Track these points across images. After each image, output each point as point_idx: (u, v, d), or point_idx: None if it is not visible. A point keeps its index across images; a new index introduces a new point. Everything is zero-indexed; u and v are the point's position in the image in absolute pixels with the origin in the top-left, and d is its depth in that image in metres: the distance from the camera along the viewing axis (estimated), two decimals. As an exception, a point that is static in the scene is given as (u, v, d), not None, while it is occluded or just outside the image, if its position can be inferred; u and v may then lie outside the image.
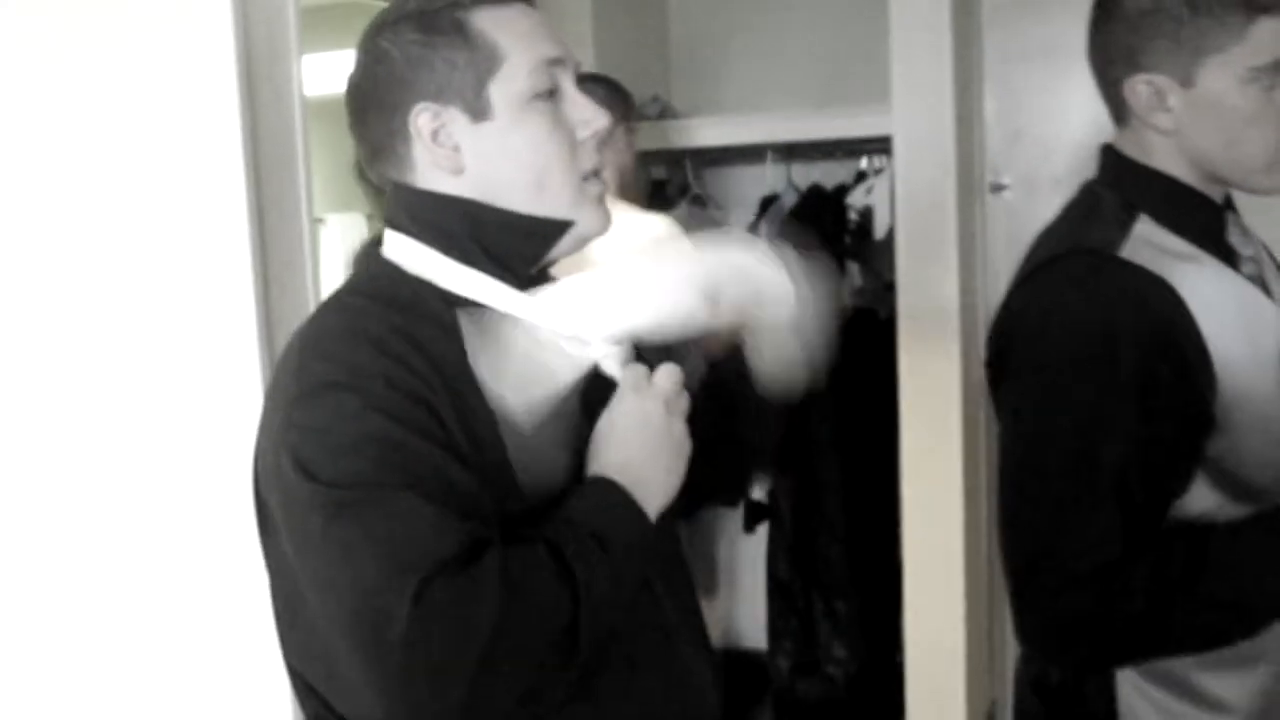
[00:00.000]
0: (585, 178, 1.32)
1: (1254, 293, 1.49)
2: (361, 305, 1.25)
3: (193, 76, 1.98)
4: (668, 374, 1.29)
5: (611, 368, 1.31)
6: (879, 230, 3.61)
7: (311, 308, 2.02)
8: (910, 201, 3.18)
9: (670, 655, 1.33)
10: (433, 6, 1.28)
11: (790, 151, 3.82)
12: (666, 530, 1.32)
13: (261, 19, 2.03)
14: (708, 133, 3.73)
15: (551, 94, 1.30)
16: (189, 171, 2.01)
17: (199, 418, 2.04)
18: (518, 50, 1.28)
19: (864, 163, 3.84)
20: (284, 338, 1.95)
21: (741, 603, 4.34)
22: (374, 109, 1.31)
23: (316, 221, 5.30)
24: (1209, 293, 1.43)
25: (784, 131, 3.61)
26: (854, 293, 3.68)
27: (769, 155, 3.78)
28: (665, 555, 1.37)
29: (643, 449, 1.25)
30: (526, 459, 1.24)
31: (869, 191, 3.67)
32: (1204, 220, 1.52)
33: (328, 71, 4.81)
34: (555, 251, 1.33)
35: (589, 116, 1.31)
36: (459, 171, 1.29)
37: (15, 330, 2.14)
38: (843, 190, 3.79)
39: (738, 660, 4.28)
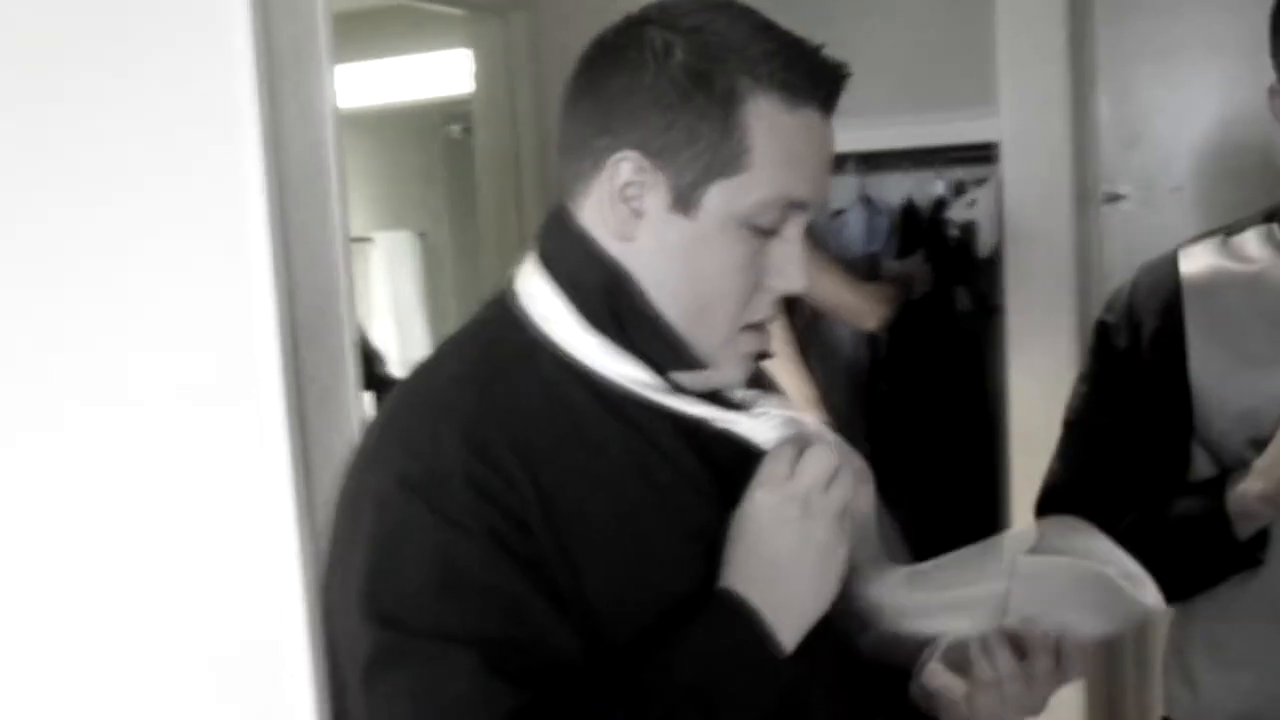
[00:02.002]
0: (746, 328, 1.15)
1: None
2: (461, 374, 1.13)
3: (207, 91, 1.78)
4: (813, 459, 1.10)
5: (761, 434, 1.14)
6: (983, 248, 3.35)
7: (346, 347, 1.88)
8: (1020, 215, 2.97)
9: None
10: (715, 56, 1.08)
11: (867, 162, 3.58)
12: (817, 649, 1.13)
13: (286, 25, 1.81)
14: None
15: (768, 233, 1.11)
16: (202, 195, 1.81)
17: (214, 470, 1.87)
18: (769, 171, 1.08)
19: (937, 178, 3.63)
20: (314, 385, 1.83)
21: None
22: (591, 106, 1.13)
23: (363, 240, 5.21)
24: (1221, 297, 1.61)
25: (864, 140, 3.36)
26: (961, 318, 3.45)
27: (849, 165, 3.53)
28: (821, 675, 1.17)
29: (771, 555, 1.09)
30: (640, 559, 1.10)
31: (971, 204, 3.41)
32: None
33: (369, 81, 4.75)
34: (685, 381, 1.15)
35: (790, 273, 1.13)
36: (626, 239, 1.13)
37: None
38: (940, 205, 3.54)
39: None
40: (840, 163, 3.61)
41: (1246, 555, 1.55)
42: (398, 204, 5.56)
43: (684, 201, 1.10)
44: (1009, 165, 2.98)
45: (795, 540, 1.09)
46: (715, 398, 1.17)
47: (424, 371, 1.17)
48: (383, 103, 4.88)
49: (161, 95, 1.81)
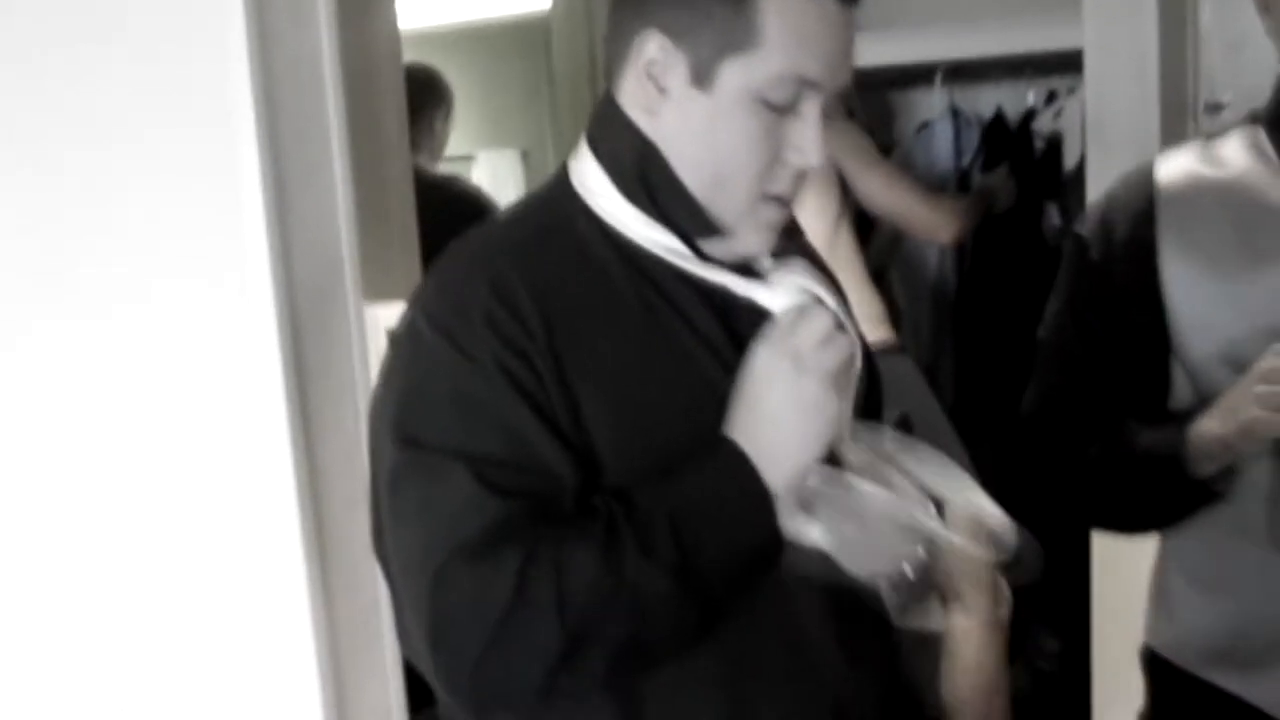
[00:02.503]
0: (766, 198, 1.25)
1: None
2: (507, 226, 1.32)
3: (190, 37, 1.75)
4: (809, 321, 1.21)
5: (775, 301, 1.26)
6: (1069, 160, 3.21)
7: (352, 330, 1.87)
8: (1102, 127, 2.80)
9: (790, 630, 1.27)
10: None
11: (956, 73, 3.44)
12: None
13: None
14: (867, 52, 3.36)
15: (783, 109, 1.21)
16: (185, 154, 1.80)
17: (213, 439, 1.88)
18: (779, 48, 1.18)
19: (1028, 88, 3.49)
20: (314, 358, 1.83)
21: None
22: (624, 6, 1.27)
23: (465, 159, 5.21)
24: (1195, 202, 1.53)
25: (953, 48, 3.25)
26: (1053, 236, 3.32)
27: (938, 77, 3.39)
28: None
29: (766, 407, 1.19)
30: (647, 406, 1.21)
31: (1058, 115, 3.27)
32: None
33: (468, -1, 4.75)
34: (709, 249, 1.27)
35: (807, 149, 1.23)
36: (653, 113, 1.25)
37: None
38: (1030, 116, 3.40)
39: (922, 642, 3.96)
40: (927, 73, 3.49)
41: (1207, 491, 1.49)
42: (500, 122, 5.54)
43: (701, 77, 1.21)
44: (1092, 74, 2.82)
45: (786, 393, 1.18)
46: (742, 269, 1.27)
47: (477, 230, 1.31)
48: (484, 18, 4.86)
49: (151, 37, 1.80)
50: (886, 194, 2.96)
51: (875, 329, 2.90)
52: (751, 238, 1.27)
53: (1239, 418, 1.39)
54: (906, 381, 2.89)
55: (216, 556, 1.89)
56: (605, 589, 1.12)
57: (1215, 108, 2.96)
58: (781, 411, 1.18)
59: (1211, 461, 1.45)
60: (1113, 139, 2.81)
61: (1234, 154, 1.55)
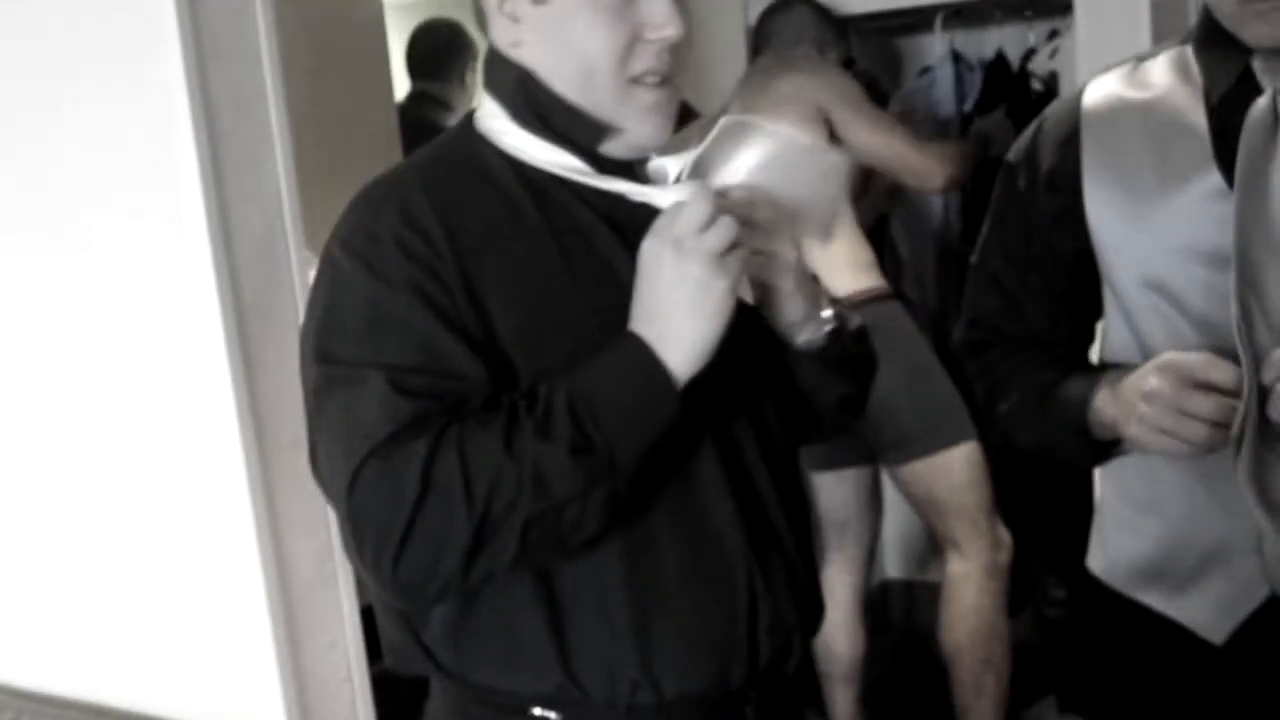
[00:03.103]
0: (636, 81, 1.31)
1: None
2: (416, 162, 1.40)
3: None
4: (688, 208, 1.26)
5: (661, 200, 1.31)
6: (1068, 99, 3.17)
7: (295, 275, 1.90)
8: (1094, 64, 2.73)
9: (695, 521, 1.34)
10: None
11: (958, 15, 3.43)
12: (724, 381, 1.32)
13: None
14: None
15: None
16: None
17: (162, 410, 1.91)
18: None
19: (1029, 29, 3.46)
20: (256, 303, 1.86)
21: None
22: None
23: None
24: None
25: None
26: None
27: (938, 21, 3.36)
28: (727, 424, 1.37)
29: (656, 294, 1.26)
30: (550, 311, 1.29)
31: (1053, 55, 3.23)
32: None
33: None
34: (611, 151, 1.35)
35: (659, 21, 1.30)
36: (518, 44, 1.34)
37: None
38: (1028, 55, 3.36)
39: (932, 593, 3.93)
40: (927, 16, 3.45)
41: (1108, 452, 1.52)
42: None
43: None
44: (1082, 9, 2.81)
45: (671, 278, 1.24)
46: (638, 178, 1.36)
47: (390, 169, 1.40)
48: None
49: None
50: (874, 141, 2.91)
51: (861, 277, 2.89)
52: (640, 126, 1.33)
53: (1124, 428, 1.41)
54: (894, 328, 2.87)
55: (165, 504, 1.93)
56: (507, 472, 1.19)
57: (1183, 35, 2.91)
58: (670, 295, 1.24)
59: (1109, 432, 1.47)
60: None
61: (1159, 74, 1.54)
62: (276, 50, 1.82)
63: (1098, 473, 1.71)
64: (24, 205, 1.95)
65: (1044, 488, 3.29)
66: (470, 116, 1.41)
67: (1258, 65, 1.43)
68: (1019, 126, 3.20)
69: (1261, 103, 1.42)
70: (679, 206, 1.27)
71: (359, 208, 1.33)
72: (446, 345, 1.24)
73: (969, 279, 1.70)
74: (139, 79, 1.78)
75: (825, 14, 3.20)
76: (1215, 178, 1.43)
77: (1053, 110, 1.63)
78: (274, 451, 1.86)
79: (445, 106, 3.61)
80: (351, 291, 1.27)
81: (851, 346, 1.46)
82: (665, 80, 1.33)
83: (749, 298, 1.36)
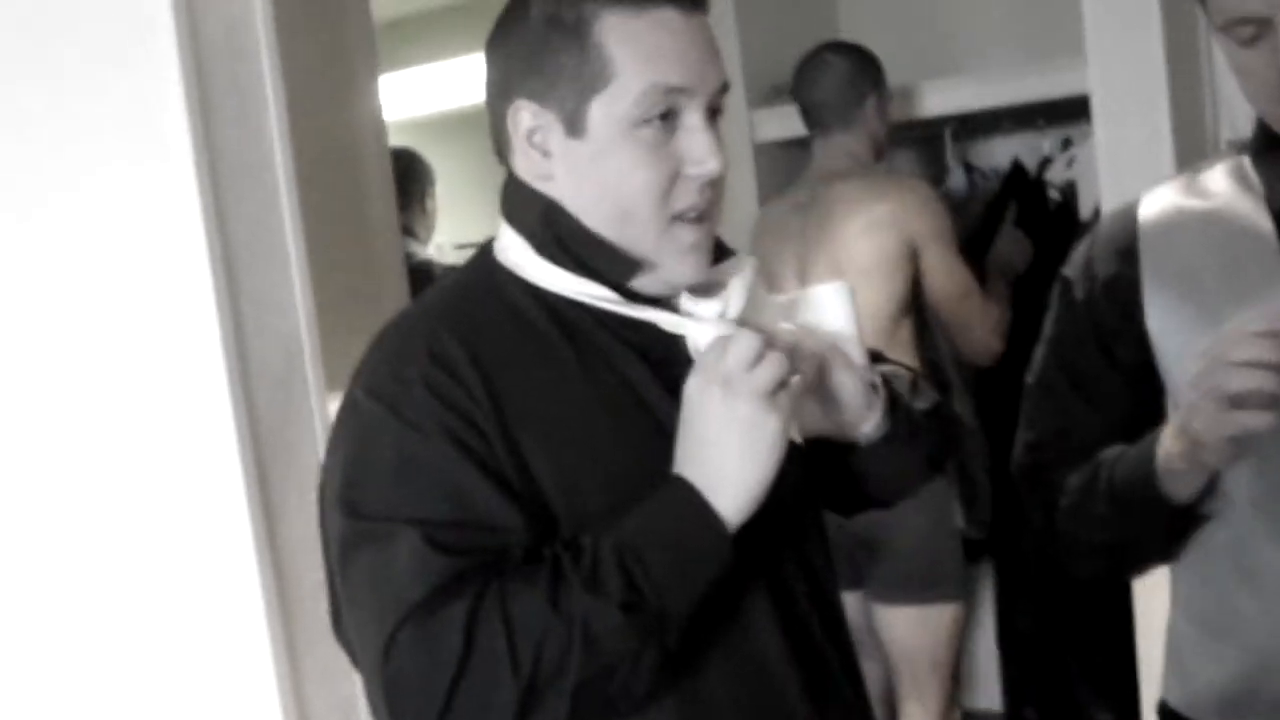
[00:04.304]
0: (677, 219, 1.30)
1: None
2: (437, 299, 1.38)
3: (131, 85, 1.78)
4: (734, 344, 1.23)
5: (702, 336, 1.30)
6: (1085, 209, 3.18)
7: (315, 417, 1.88)
8: (1115, 172, 2.77)
9: (753, 664, 1.31)
10: None
11: (965, 125, 3.46)
12: (772, 525, 1.29)
13: (218, 13, 1.77)
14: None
15: (666, 119, 1.28)
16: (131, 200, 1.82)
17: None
18: (632, 71, 1.27)
19: (1041, 137, 3.48)
20: (274, 447, 1.84)
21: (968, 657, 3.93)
22: (491, 77, 1.36)
23: (467, 247, 5.24)
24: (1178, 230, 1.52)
25: (955, 100, 3.23)
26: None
27: (947, 133, 3.38)
28: (777, 564, 1.35)
29: (704, 435, 1.23)
30: (590, 455, 1.26)
31: (1070, 164, 3.24)
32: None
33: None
34: (641, 287, 1.33)
35: (701, 156, 1.29)
36: (547, 178, 1.32)
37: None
38: (1044, 165, 3.38)
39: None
40: (936, 129, 3.47)
41: (1191, 514, 1.46)
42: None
43: (575, 126, 1.29)
44: (1101, 119, 2.80)
45: (720, 418, 1.21)
46: (670, 306, 1.34)
47: (408, 307, 1.40)
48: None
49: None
50: (948, 293, 2.91)
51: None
52: (677, 265, 1.32)
53: (1184, 421, 1.36)
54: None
55: (185, 653, 1.89)
56: (555, 632, 1.15)
57: (1242, 147, 2.92)
58: (720, 437, 1.22)
59: (1183, 481, 1.42)
60: (1128, 183, 2.77)
61: (1218, 184, 1.54)
62: (295, 184, 1.81)
63: (1168, 598, 1.64)
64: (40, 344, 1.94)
65: (1086, 614, 3.27)
66: (486, 249, 1.40)
67: None
68: (1038, 236, 3.25)
69: None
70: (724, 342, 1.25)
71: (383, 347, 1.31)
72: (484, 495, 1.20)
73: (1026, 398, 1.67)
74: (157, 216, 1.77)
75: (864, 55, 3.14)
76: None
77: (1106, 223, 1.62)
78: (295, 601, 1.81)
79: (410, 234, 3.59)
80: (378, 438, 1.23)
81: (916, 416, 1.45)
82: (704, 216, 1.32)
83: (798, 437, 1.34)
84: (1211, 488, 1.43)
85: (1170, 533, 1.50)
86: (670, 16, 1.27)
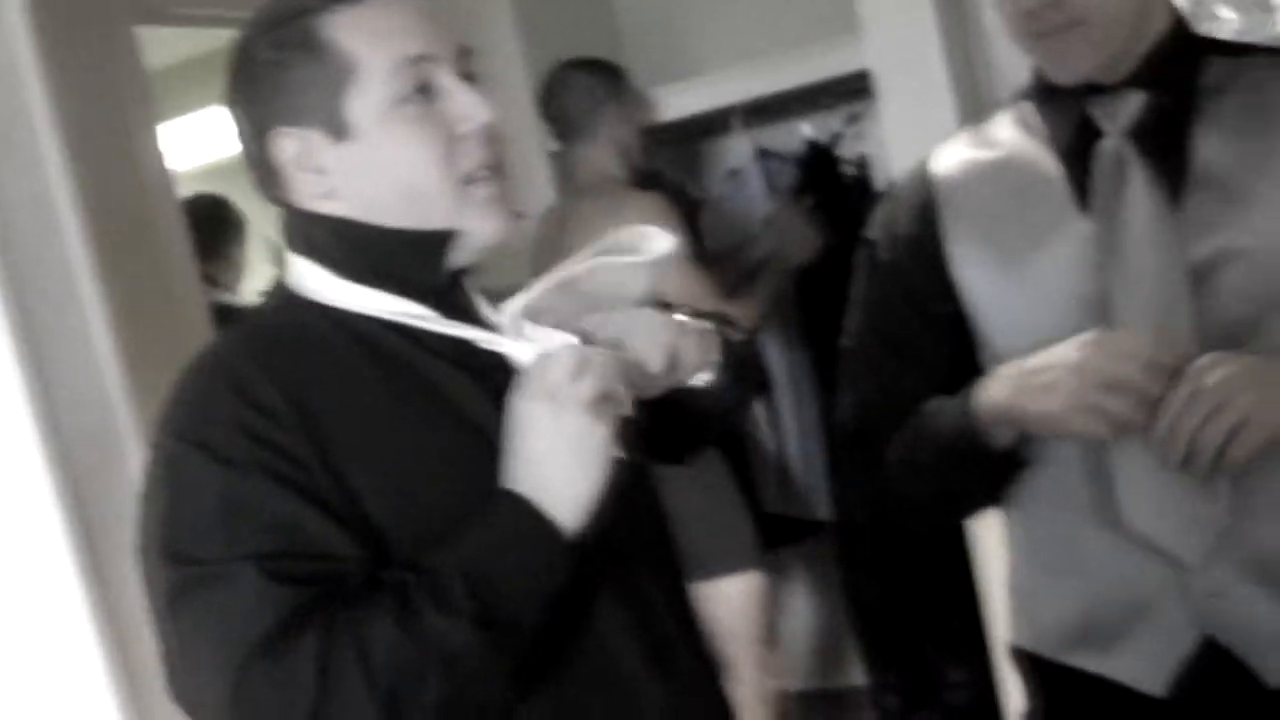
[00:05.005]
0: (469, 180, 1.31)
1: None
2: (236, 337, 1.37)
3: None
4: (556, 358, 1.26)
5: (523, 352, 1.31)
6: (880, 181, 3.26)
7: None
8: (903, 140, 2.86)
9: (609, 672, 1.33)
10: (281, 17, 1.30)
11: (756, 113, 3.51)
12: (614, 526, 1.30)
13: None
14: (664, 106, 3.48)
15: (423, 92, 1.29)
16: None
17: None
18: (371, 55, 1.28)
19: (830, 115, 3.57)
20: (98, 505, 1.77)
21: (824, 634, 4.01)
22: (241, 128, 1.35)
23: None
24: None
25: (742, 90, 3.32)
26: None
27: (733, 121, 3.44)
28: (618, 553, 1.35)
29: (535, 450, 1.25)
30: (415, 475, 1.26)
31: (858, 138, 3.33)
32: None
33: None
34: (455, 261, 1.34)
35: (468, 111, 1.30)
36: (329, 196, 1.31)
37: None
38: (835, 141, 3.46)
39: (836, 702, 4.01)
40: (725, 118, 3.52)
41: (1010, 460, 1.52)
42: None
43: (338, 130, 1.29)
44: (884, 92, 2.91)
45: (550, 431, 1.24)
46: (482, 323, 1.35)
47: (205, 348, 1.35)
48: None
49: None
50: (683, 296, 2.97)
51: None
52: (482, 223, 1.32)
53: (1030, 405, 1.40)
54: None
55: None
56: (409, 655, 1.16)
57: (1020, 93, 3.02)
58: (551, 450, 1.24)
59: (1005, 429, 1.47)
60: (915, 149, 2.83)
61: (1004, 132, 1.60)
62: (89, 241, 1.77)
63: (1005, 546, 1.70)
64: None
65: (928, 574, 3.35)
66: (279, 285, 1.38)
67: (1095, 110, 1.50)
68: (837, 213, 3.33)
69: (1106, 144, 1.48)
70: (547, 357, 1.27)
71: (186, 392, 1.28)
72: (314, 525, 1.20)
73: (842, 363, 1.71)
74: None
75: (602, 66, 3.25)
76: (1081, 224, 1.48)
77: (901, 184, 1.68)
78: (140, 675, 1.77)
79: (213, 283, 3.48)
80: (196, 483, 1.21)
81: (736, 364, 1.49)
82: (496, 169, 1.33)
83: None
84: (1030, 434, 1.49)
85: (994, 477, 1.56)
86: (388, 1, 1.31)
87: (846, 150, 3.51)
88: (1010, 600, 1.70)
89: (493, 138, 1.32)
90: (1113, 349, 1.36)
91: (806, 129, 3.59)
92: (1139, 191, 1.45)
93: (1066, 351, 1.39)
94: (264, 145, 1.32)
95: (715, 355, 1.44)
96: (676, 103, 3.46)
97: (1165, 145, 1.48)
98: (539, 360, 1.28)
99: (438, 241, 1.32)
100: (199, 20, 2.60)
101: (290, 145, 1.31)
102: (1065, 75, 1.49)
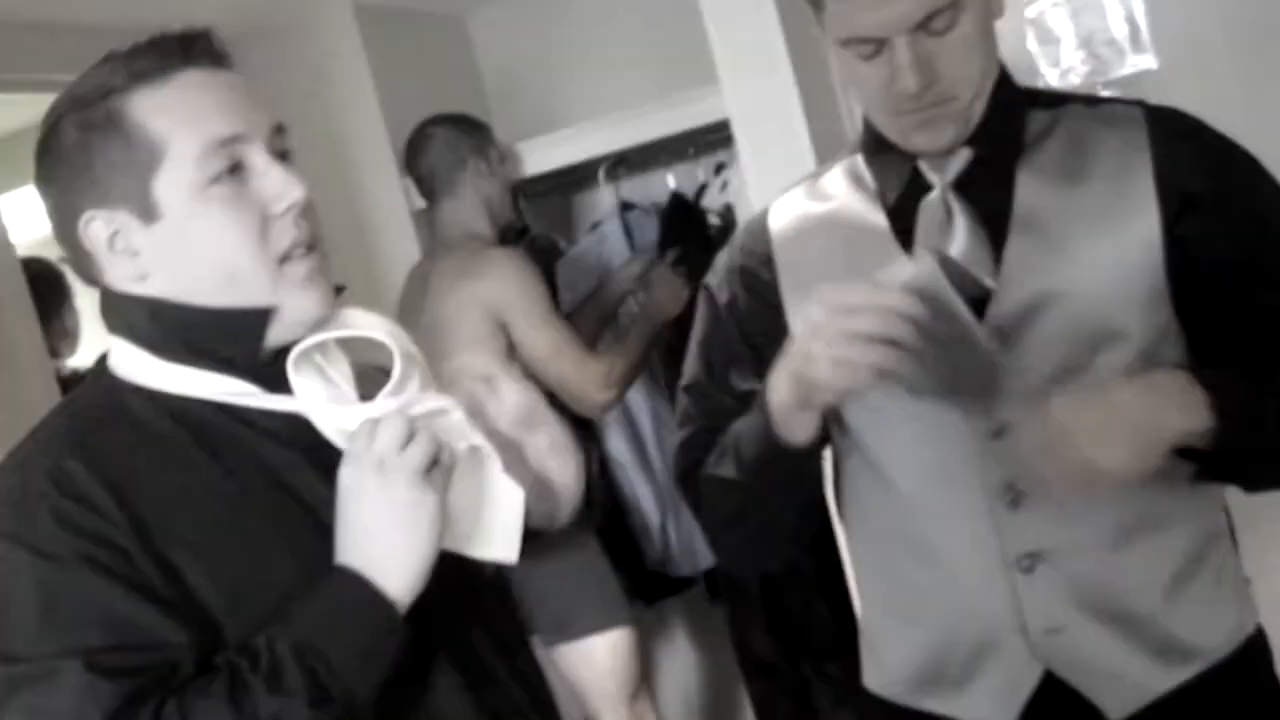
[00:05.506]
0: (284, 259, 1.30)
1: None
2: (54, 425, 1.32)
3: None
4: (383, 427, 1.26)
5: (349, 421, 1.30)
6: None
7: None
8: (763, 190, 2.88)
9: None
10: (87, 97, 1.28)
11: (622, 164, 3.56)
12: (454, 598, 1.33)
13: None
14: (531, 159, 3.49)
15: (235, 172, 1.28)
16: None
17: None
18: (180, 136, 1.26)
19: (695, 166, 3.59)
20: None
21: (709, 687, 4.01)
22: (51, 210, 1.33)
23: None
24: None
25: (610, 141, 3.35)
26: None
27: (600, 173, 3.46)
28: (454, 619, 1.36)
29: (363, 522, 1.25)
30: (244, 556, 1.25)
31: (724, 188, 3.36)
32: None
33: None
34: (276, 338, 1.32)
35: (281, 190, 1.29)
36: (143, 277, 1.30)
37: None
38: (701, 191, 3.48)
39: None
40: (593, 170, 3.53)
41: (807, 457, 1.51)
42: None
43: (148, 212, 1.28)
44: (743, 142, 2.94)
45: (379, 502, 1.24)
46: (304, 392, 1.32)
47: (26, 437, 1.32)
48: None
49: None
50: (538, 357, 3.01)
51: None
52: (301, 300, 1.31)
53: (802, 373, 1.39)
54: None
55: None
56: None
57: (852, 145, 3.05)
58: (380, 520, 1.24)
59: (799, 423, 1.45)
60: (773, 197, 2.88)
61: (836, 185, 1.64)
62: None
63: (854, 592, 1.74)
64: None
65: (809, 619, 3.35)
66: (98, 368, 1.37)
67: (924, 165, 1.54)
68: (703, 264, 3.33)
69: (933, 197, 1.52)
70: (372, 425, 1.27)
71: (3, 485, 1.27)
72: (139, 614, 1.19)
73: (677, 403, 1.74)
74: None
75: (465, 122, 3.27)
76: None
77: (742, 232, 1.71)
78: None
79: (54, 354, 3.27)
80: (15, 578, 1.20)
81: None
82: (311, 245, 1.33)
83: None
84: (825, 432, 1.50)
85: (792, 483, 1.54)
86: (196, 75, 1.29)
87: (713, 201, 3.52)
88: (862, 646, 1.73)
89: (307, 214, 1.32)
90: (836, 305, 1.34)
91: (672, 180, 3.61)
92: (961, 234, 1.49)
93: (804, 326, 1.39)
94: (75, 228, 1.30)
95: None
96: (544, 156, 3.46)
97: (988, 194, 1.52)
98: (365, 428, 1.27)
99: (255, 319, 1.30)
100: (33, 85, 2.56)
101: (100, 228, 1.29)
102: (934, 146, 1.51)
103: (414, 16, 3.66)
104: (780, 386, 1.44)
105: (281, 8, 3.31)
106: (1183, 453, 1.40)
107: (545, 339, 2.99)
